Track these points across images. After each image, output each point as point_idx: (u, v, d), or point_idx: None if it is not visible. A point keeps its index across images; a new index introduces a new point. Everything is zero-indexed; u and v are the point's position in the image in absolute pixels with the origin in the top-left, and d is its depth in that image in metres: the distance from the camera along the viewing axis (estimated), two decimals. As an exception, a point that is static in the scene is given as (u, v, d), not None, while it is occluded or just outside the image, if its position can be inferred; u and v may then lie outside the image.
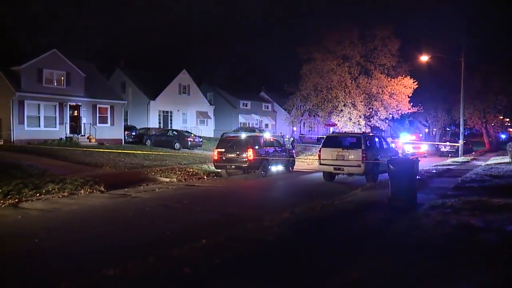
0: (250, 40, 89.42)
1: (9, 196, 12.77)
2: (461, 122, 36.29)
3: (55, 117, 31.39)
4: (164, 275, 5.46)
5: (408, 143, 38.75)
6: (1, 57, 31.04)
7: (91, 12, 60.16)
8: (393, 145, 25.37)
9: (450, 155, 40.32)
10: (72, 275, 5.88)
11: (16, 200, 12.60)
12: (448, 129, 76.48)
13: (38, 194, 13.45)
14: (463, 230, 7.32)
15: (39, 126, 30.44)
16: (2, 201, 12.33)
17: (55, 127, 31.28)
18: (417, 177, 12.36)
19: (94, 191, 14.78)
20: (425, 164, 23.90)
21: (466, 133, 51.24)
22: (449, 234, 7.09)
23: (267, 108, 64.71)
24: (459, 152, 35.26)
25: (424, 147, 42.62)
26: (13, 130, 28.87)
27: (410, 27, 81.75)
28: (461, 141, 35.96)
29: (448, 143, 45.35)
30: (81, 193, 14.30)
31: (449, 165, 24.69)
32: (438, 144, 48.48)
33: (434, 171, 20.00)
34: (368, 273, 5.52)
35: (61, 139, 30.80)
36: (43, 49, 32.84)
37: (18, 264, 6.86)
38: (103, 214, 11.26)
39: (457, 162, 27.82)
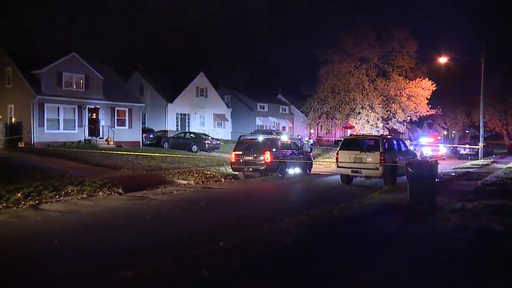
0: (267, 42, 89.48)
1: (29, 198, 12.96)
2: (481, 124, 35.81)
3: (74, 119, 31.76)
4: (182, 277, 5.48)
5: (426, 146, 38.37)
6: (22, 61, 31.49)
7: (109, 15, 60.83)
8: (411, 148, 25.14)
9: (469, 157, 39.77)
10: (90, 276, 5.93)
11: (36, 201, 12.78)
12: (467, 131, 75.54)
13: (57, 196, 13.62)
14: (483, 234, 7.21)
15: (59, 128, 30.82)
16: (23, 203, 12.51)
17: (74, 129, 31.64)
18: (436, 180, 12.22)
19: (112, 193, 14.89)
20: (444, 167, 23.63)
21: (486, 136, 50.51)
22: (469, 238, 6.98)
23: (284, 110, 64.63)
24: (479, 155, 34.80)
25: (443, 149, 42.14)
26: (33, 133, 29.28)
27: (429, 28, 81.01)
28: (481, 144, 35.46)
29: (467, 146, 44.75)
30: (99, 195, 14.41)
31: (468, 168, 24.37)
32: (456, 147, 47.87)
33: (454, 174, 19.77)
34: (386, 277, 5.46)
35: (80, 141, 31.14)
36: (63, 53, 33.28)
37: (38, 264, 6.94)
38: (121, 216, 11.35)
39: (477, 165, 27.44)
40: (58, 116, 30.87)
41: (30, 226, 9.95)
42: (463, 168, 24.26)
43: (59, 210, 11.78)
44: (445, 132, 78.92)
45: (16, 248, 8.04)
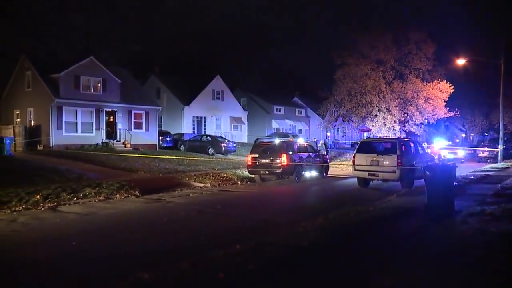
0: (283, 45, 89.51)
1: (48, 200, 13.12)
2: (501, 127, 35.29)
3: (92, 122, 32.05)
4: (198, 280, 5.49)
5: (444, 148, 37.93)
6: (41, 65, 31.93)
7: (126, 20, 61.39)
8: (428, 151, 24.89)
9: (488, 160, 39.17)
10: (108, 277, 5.97)
11: (55, 203, 12.93)
12: (486, 134, 74.59)
13: (75, 198, 13.76)
14: (504, 239, 7.10)
15: (76, 131, 31.14)
16: (42, 204, 12.67)
17: (92, 132, 31.93)
18: (454, 183, 12.07)
19: (130, 195, 14.99)
20: (462, 170, 23.33)
21: (505, 138, 49.74)
22: (490, 243, 6.87)
23: (301, 113, 64.45)
24: (499, 158, 34.28)
25: (461, 152, 41.63)
26: (51, 136, 29.63)
27: (447, 29, 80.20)
28: (500, 146, 34.91)
29: (486, 149, 44.07)
30: (116, 198, 14.53)
31: (487, 171, 24.02)
32: (475, 150, 47.16)
33: (472, 177, 19.50)
34: (403, 281, 5.40)
35: (97, 144, 31.42)
36: (81, 57, 33.63)
37: (57, 266, 7.01)
38: (138, 219, 11.42)
39: (496, 168, 27.03)
40: (76, 119, 31.19)
41: (49, 227, 10.06)
42: (482, 171, 23.91)
43: (77, 212, 11.90)
44: (464, 135, 78.03)
45: (36, 249, 8.14)
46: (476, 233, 7.53)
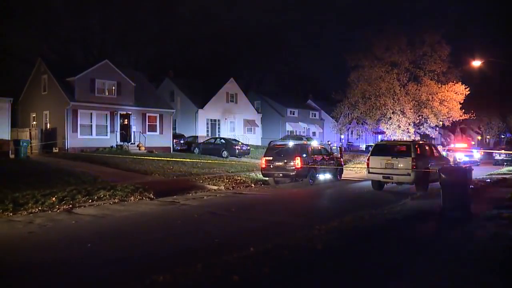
0: (297, 48, 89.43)
1: (63, 202, 13.24)
2: (517, 129, 34.88)
3: (106, 125, 32.31)
4: (213, 282, 5.48)
5: (459, 151, 37.56)
6: (57, 68, 32.31)
7: (141, 23, 61.78)
8: (444, 153, 24.67)
9: (505, 163, 38.66)
10: (123, 280, 6.00)
11: (70, 205, 13.03)
12: (503, 136, 73.78)
13: (90, 200, 13.86)
14: (522, 242, 7.01)
15: (91, 134, 31.41)
16: (57, 207, 12.79)
17: (106, 135, 32.18)
18: (471, 186, 11.94)
19: (144, 198, 15.04)
20: (478, 173, 23.08)
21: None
22: (508, 247, 6.78)
23: (314, 116, 64.36)
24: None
25: (477, 155, 41.18)
26: (67, 138, 29.92)
27: (462, 30, 79.50)
28: (517, 149, 34.49)
29: (503, 151, 43.52)
30: (131, 200, 14.59)
31: (504, 174, 23.75)
32: (491, 152, 46.60)
33: (489, 180, 19.31)
34: (420, 286, 5.35)
35: (112, 147, 31.64)
36: (96, 60, 33.93)
37: (73, 268, 7.05)
38: (153, 221, 11.45)
39: (513, 171, 26.73)
40: (91, 122, 31.46)
41: (64, 229, 10.14)
42: (498, 174, 23.67)
43: (92, 214, 11.98)
44: (479, 137, 77.26)
45: (52, 251, 8.19)
46: (494, 237, 7.43)
